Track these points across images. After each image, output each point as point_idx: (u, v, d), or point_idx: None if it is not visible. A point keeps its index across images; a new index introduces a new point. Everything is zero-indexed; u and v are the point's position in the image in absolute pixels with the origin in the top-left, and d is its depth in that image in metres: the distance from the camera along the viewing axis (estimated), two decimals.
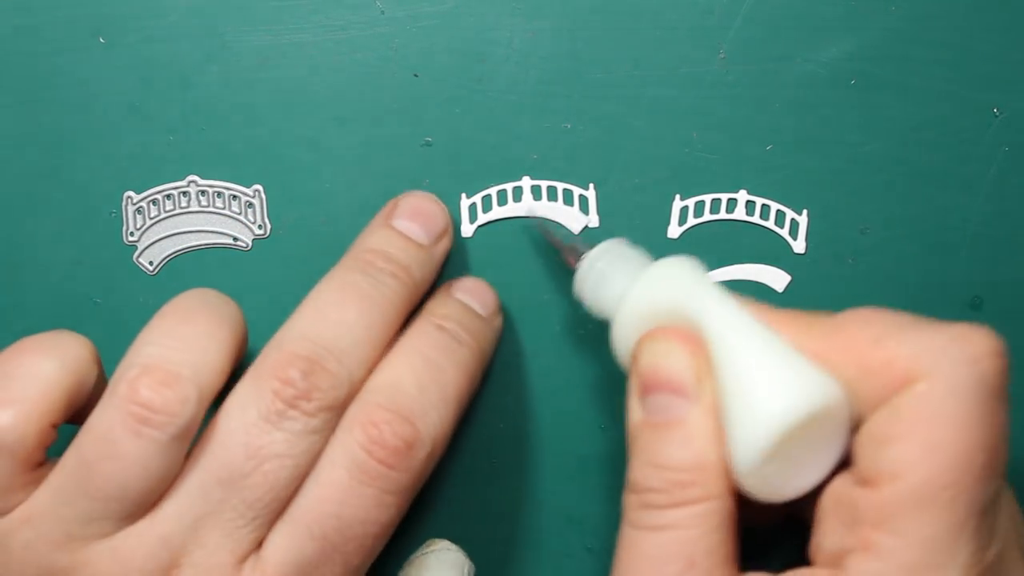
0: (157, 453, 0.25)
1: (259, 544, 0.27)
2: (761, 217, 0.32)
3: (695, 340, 0.25)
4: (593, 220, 0.32)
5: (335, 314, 0.28)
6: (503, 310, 0.32)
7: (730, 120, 0.32)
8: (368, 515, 0.26)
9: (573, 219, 0.32)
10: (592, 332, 0.33)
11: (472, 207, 0.32)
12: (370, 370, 0.28)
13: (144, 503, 0.26)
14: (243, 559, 0.26)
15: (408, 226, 0.30)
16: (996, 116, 0.32)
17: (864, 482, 0.23)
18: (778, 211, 0.32)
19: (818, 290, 0.32)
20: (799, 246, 0.32)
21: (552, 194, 0.32)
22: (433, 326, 0.29)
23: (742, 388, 0.24)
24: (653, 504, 0.25)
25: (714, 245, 0.32)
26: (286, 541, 0.26)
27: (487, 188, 0.32)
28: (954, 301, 0.32)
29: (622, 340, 0.27)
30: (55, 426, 0.26)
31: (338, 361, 0.27)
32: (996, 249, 0.32)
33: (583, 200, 0.32)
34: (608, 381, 0.33)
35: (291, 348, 0.27)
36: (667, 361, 0.26)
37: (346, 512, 0.26)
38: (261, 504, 0.26)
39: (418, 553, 0.31)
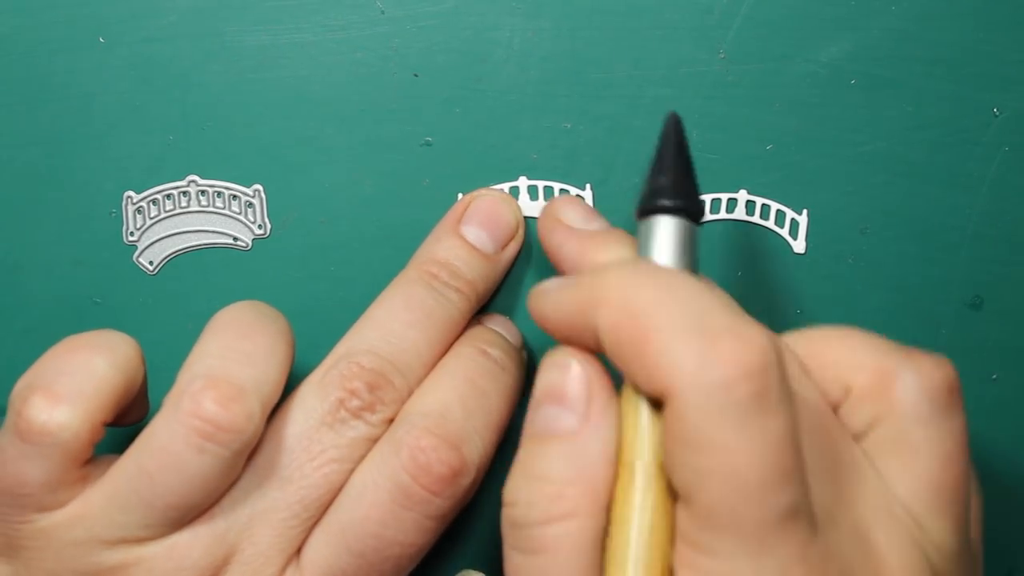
0: (220, 467, 0.25)
1: (299, 550, 0.27)
2: (761, 217, 0.32)
3: (593, 359, 0.25)
4: None
5: (401, 330, 0.28)
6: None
7: (730, 120, 0.32)
8: (407, 538, 0.27)
9: None
10: None
11: None
12: (421, 381, 0.29)
13: (203, 508, 0.26)
14: (290, 560, 0.27)
15: (476, 234, 0.30)
16: (996, 116, 0.32)
17: (677, 498, 0.23)
18: (778, 211, 0.32)
19: (818, 290, 0.32)
20: (799, 246, 0.32)
21: (548, 194, 0.32)
22: (477, 351, 0.29)
23: None
24: (523, 522, 0.24)
25: (714, 245, 0.32)
26: (325, 552, 0.27)
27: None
28: (954, 301, 0.32)
29: None
30: (105, 424, 0.26)
31: (403, 376, 0.28)
32: (996, 249, 0.32)
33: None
34: None
35: (359, 360, 0.27)
36: (558, 375, 0.25)
37: (386, 533, 0.26)
38: (317, 505, 0.27)
39: None
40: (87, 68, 0.32)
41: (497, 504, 0.24)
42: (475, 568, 0.32)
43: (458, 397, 0.28)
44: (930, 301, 0.32)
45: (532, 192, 0.32)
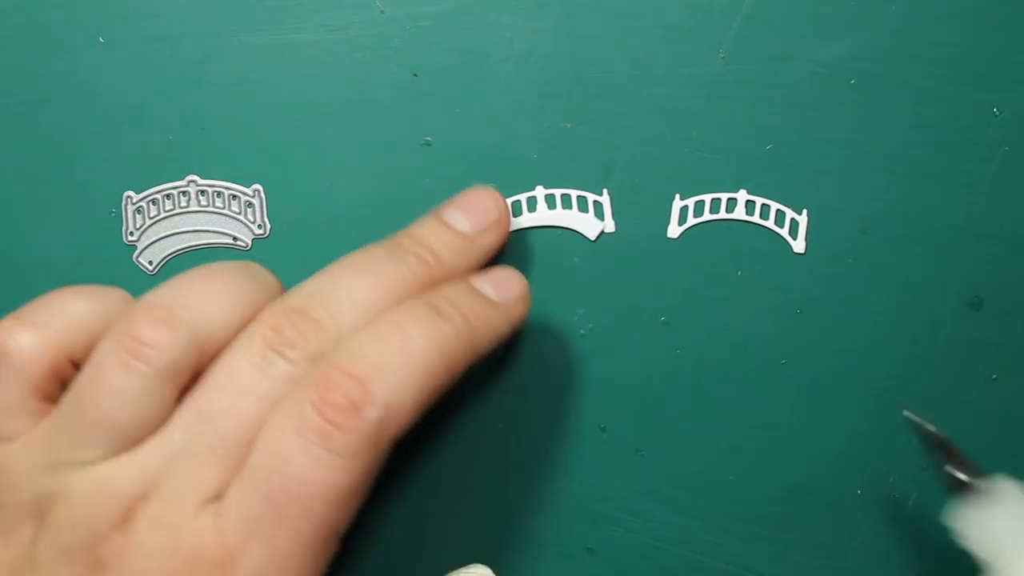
0: (142, 386, 0.26)
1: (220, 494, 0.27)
2: (761, 217, 0.32)
3: None
4: (609, 225, 0.32)
5: (341, 278, 0.28)
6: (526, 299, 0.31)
7: (730, 120, 0.32)
8: (312, 475, 0.26)
9: (588, 225, 0.32)
10: (592, 332, 0.33)
11: None
12: (354, 323, 0.28)
13: (130, 435, 0.26)
14: (207, 501, 0.26)
15: (452, 215, 0.30)
16: (996, 116, 0.32)
17: None
18: (778, 211, 0.32)
19: (818, 290, 0.32)
20: (799, 246, 0.32)
21: (566, 201, 0.32)
22: (423, 301, 0.28)
23: None
24: None
25: (714, 245, 0.32)
26: (238, 495, 0.26)
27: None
28: (954, 301, 0.32)
29: None
30: (74, 362, 0.27)
31: (330, 316, 0.27)
32: (996, 249, 0.32)
33: (598, 206, 0.32)
34: (608, 381, 0.33)
35: (289, 300, 0.28)
36: None
37: (291, 469, 0.25)
38: (232, 442, 0.26)
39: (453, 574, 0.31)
40: (87, 68, 0.32)
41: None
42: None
43: (375, 336, 0.27)
44: (930, 301, 0.32)
45: (550, 201, 0.32)
